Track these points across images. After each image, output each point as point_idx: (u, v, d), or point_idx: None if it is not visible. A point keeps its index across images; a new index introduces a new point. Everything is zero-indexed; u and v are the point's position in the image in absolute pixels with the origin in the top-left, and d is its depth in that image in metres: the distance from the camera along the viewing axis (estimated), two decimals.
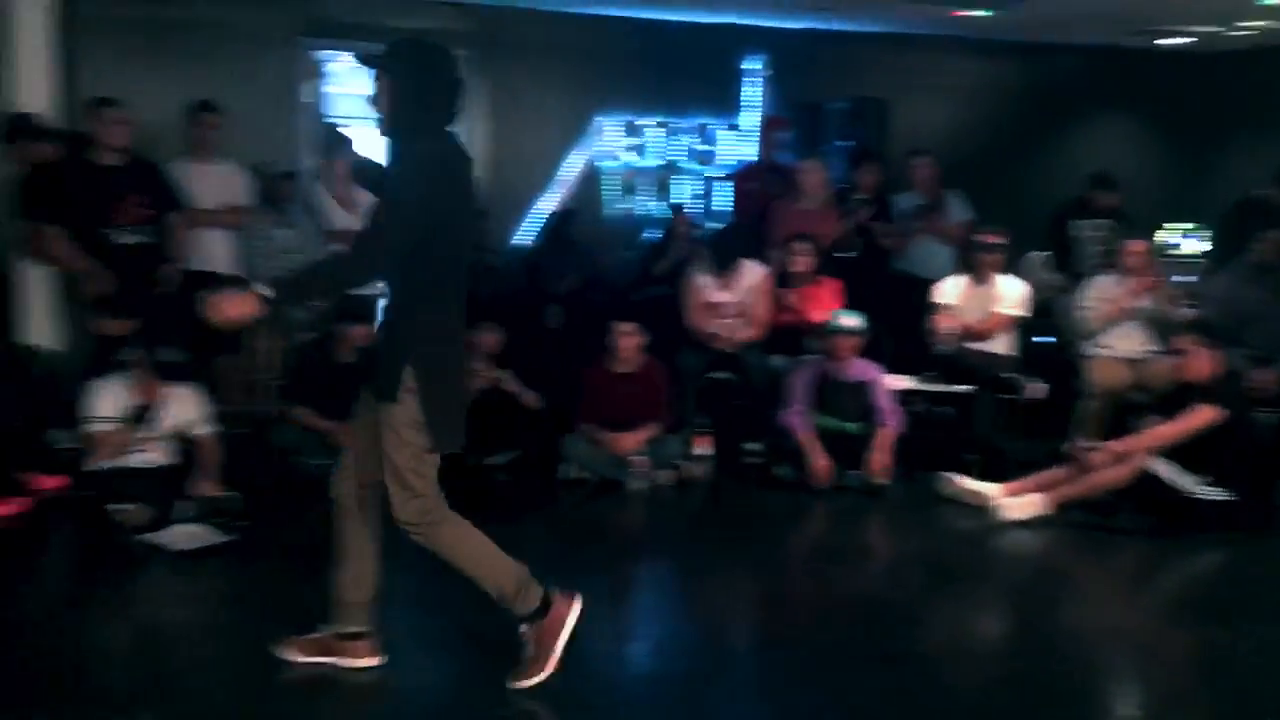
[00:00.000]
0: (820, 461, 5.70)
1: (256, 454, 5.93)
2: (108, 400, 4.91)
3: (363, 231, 3.34)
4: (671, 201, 8.44)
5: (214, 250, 6.39)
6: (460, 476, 5.66)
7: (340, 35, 8.09)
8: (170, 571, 4.46)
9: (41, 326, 6.25)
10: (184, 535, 4.65)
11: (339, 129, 9.43)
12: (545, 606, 3.37)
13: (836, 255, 6.94)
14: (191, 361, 6.22)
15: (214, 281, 6.27)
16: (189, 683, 3.43)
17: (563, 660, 3.35)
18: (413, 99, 3.20)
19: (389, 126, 3.25)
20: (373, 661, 3.47)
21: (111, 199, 5.62)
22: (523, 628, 3.37)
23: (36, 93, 6.35)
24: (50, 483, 5.16)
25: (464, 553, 3.36)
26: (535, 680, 3.33)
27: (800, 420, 5.81)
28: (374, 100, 3.26)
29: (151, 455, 4.99)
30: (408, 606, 4.31)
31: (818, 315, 6.38)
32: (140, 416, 4.92)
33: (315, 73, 8.27)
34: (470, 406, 5.74)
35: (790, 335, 6.48)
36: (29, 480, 5.09)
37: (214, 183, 6.32)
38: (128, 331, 5.46)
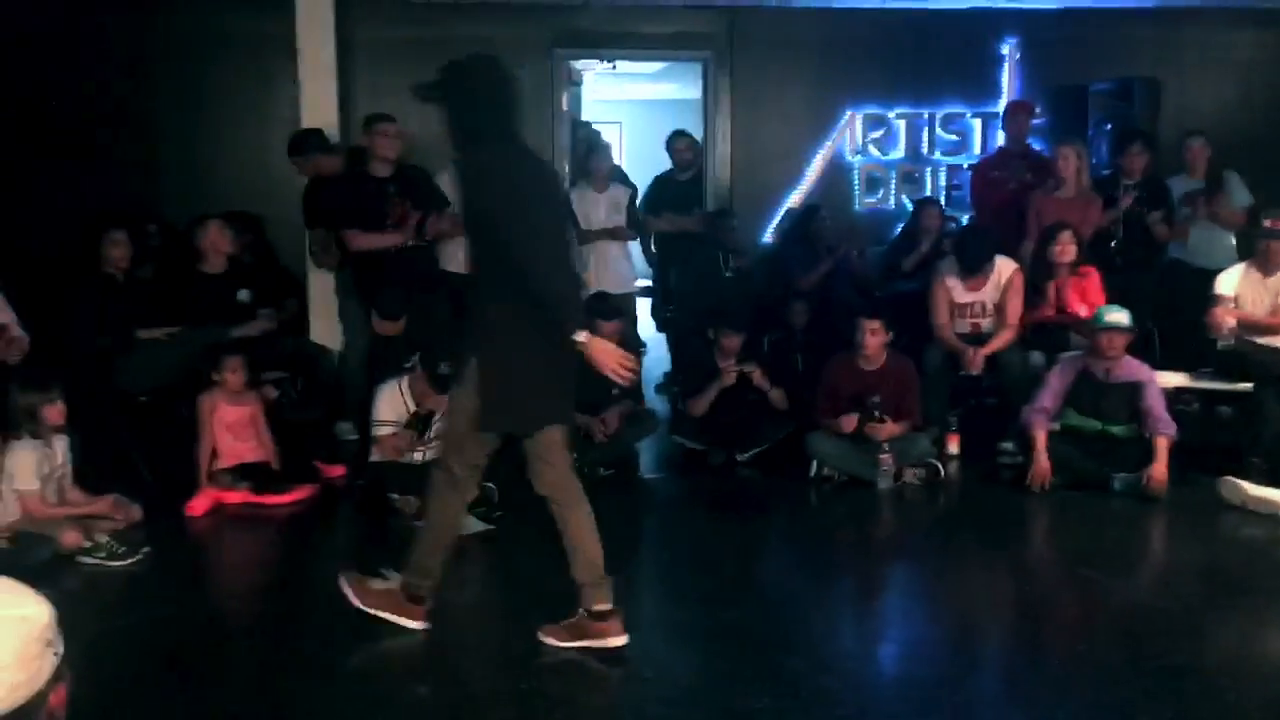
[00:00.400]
0: (1042, 463, 5.40)
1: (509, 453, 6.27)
2: (390, 404, 5.21)
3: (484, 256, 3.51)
4: (919, 195, 8.22)
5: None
6: (708, 472, 5.91)
7: (593, 45, 8.38)
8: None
9: (326, 327, 6.81)
10: None
11: (597, 133, 9.83)
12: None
13: (1100, 245, 6.56)
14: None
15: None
16: (457, 661, 3.65)
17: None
18: (467, 115, 3.44)
19: (455, 146, 3.51)
20: (621, 640, 3.58)
21: (383, 206, 6.03)
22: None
23: (322, 109, 6.92)
24: (335, 471, 5.64)
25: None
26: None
27: (1040, 419, 5.53)
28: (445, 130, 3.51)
29: (428, 454, 5.29)
30: (654, 596, 4.45)
31: (1081, 309, 6.06)
32: (421, 424, 5.20)
33: (571, 81, 8.58)
34: (717, 402, 5.96)
35: (1052, 331, 6.18)
36: (319, 468, 5.58)
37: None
38: (401, 332, 5.89)
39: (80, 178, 7.37)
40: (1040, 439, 5.47)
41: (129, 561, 4.49)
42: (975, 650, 3.83)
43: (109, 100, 7.65)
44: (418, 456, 5.21)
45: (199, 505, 5.13)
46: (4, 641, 1.75)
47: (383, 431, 5.18)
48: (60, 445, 4.81)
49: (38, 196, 7.18)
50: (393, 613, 3.70)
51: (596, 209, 7.34)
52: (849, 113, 8.34)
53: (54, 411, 4.71)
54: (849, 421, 5.64)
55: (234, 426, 5.36)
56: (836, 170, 8.39)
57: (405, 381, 5.23)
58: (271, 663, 3.63)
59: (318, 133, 6.58)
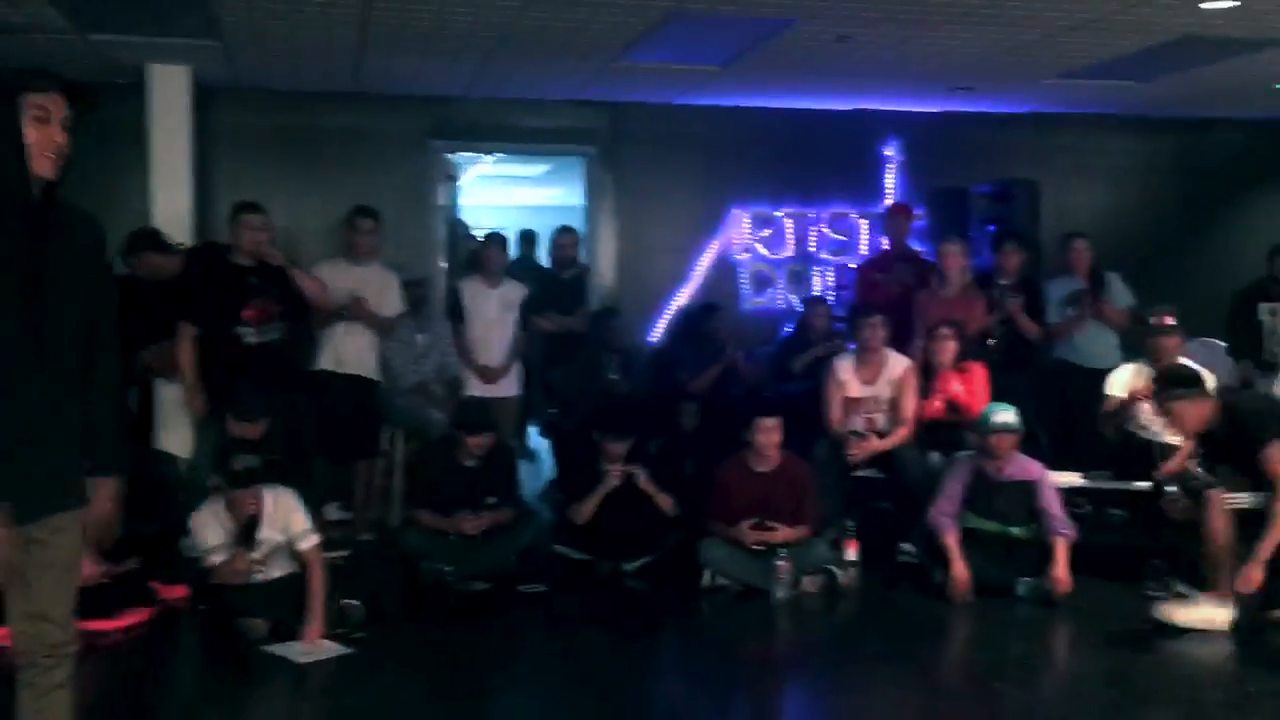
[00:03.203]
0: (960, 571, 5.19)
1: (383, 560, 5.79)
2: (211, 529, 4.68)
3: None
4: (808, 294, 8.11)
5: (360, 353, 6.34)
6: (593, 584, 5.50)
7: (472, 137, 8.13)
8: (294, 684, 4.24)
9: (174, 434, 6.25)
10: (305, 647, 4.42)
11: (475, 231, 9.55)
12: None
13: (979, 345, 6.51)
14: (321, 466, 6.17)
15: (354, 383, 6.27)
16: None
17: None
18: None
19: None
20: None
21: (242, 300, 5.59)
22: None
23: (174, 201, 6.48)
24: (175, 592, 5.06)
25: None
26: None
27: (948, 522, 5.33)
28: None
29: (270, 570, 4.77)
30: None
31: (972, 404, 5.95)
32: (246, 537, 4.67)
33: (448, 175, 8.31)
34: (603, 508, 5.59)
35: (946, 428, 6.04)
36: (156, 589, 5.00)
37: (367, 285, 6.29)
38: (259, 434, 5.39)
39: None
40: (953, 545, 5.24)
41: None
42: None
43: None
44: (259, 576, 4.69)
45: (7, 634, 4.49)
46: None
47: (215, 559, 4.64)
48: None
49: None
50: None
51: (488, 304, 6.99)
52: (735, 211, 8.24)
53: None
54: (749, 532, 5.34)
55: None
56: (723, 268, 8.26)
57: (217, 502, 4.72)
58: None
59: (153, 232, 6.13)
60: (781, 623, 5.14)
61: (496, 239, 7.36)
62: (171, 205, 6.45)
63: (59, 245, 2.55)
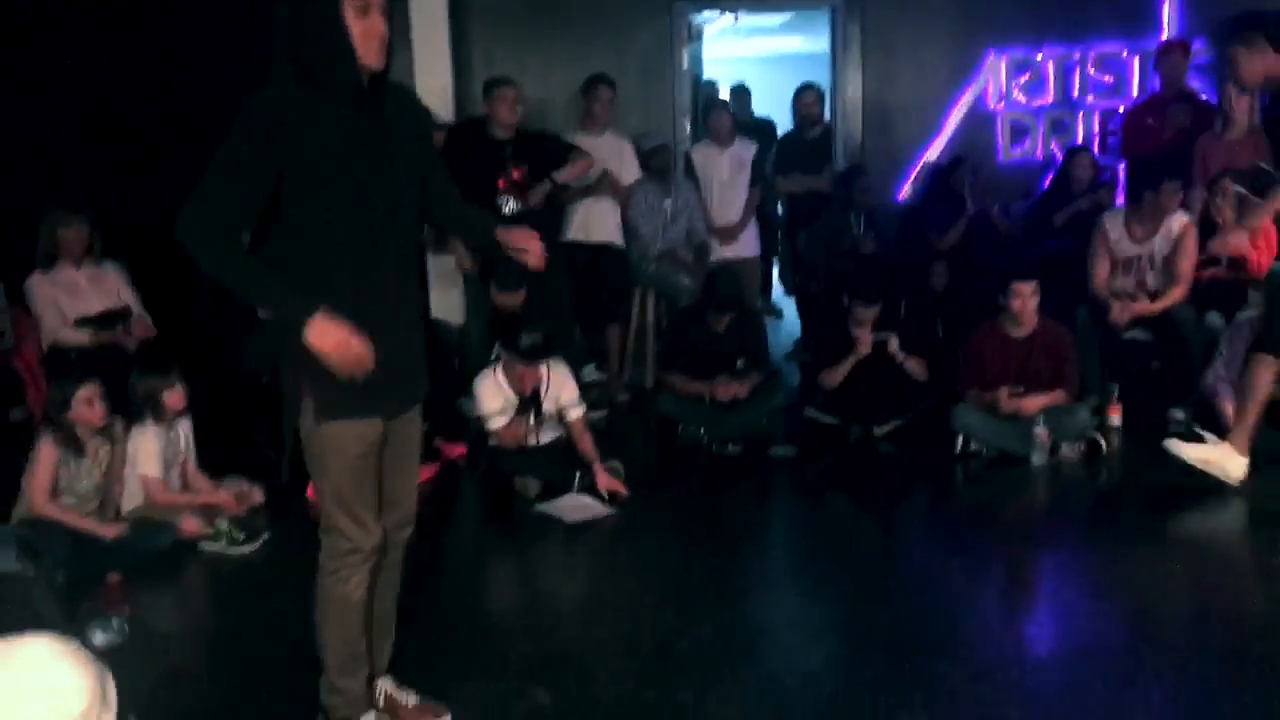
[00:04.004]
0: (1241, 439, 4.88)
1: (639, 422, 6.04)
2: (491, 396, 4.99)
3: None
4: (1070, 144, 7.61)
5: (604, 221, 6.53)
6: (844, 448, 5.56)
7: None
8: (563, 540, 4.56)
9: (446, 301, 6.67)
10: (573, 507, 4.74)
11: (716, 87, 9.46)
12: None
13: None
14: (578, 332, 6.45)
15: (601, 251, 6.48)
16: (580, 662, 3.42)
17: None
18: None
19: None
20: None
21: (499, 171, 5.81)
22: None
23: (436, 75, 6.74)
24: (456, 450, 5.48)
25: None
26: None
27: (1228, 388, 5.01)
28: None
29: (541, 435, 5.09)
30: (788, 590, 4.15)
31: (1259, 259, 5.50)
32: (530, 405, 4.97)
33: (692, 37, 8.22)
34: (853, 372, 5.59)
35: (1228, 287, 5.62)
36: (440, 447, 5.43)
37: (604, 154, 6.42)
38: (519, 303, 5.69)
39: (202, 159, 7.33)
40: (1231, 413, 4.95)
41: (249, 549, 4.41)
42: (1152, 655, 3.41)
43: (230, 80, 7.59)
44: (532, 440, 5.02)
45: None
46: None
47: (495, 424, 4.99)
48: (183, 430, 4.75)
49: (162, 178, 7.21)
50: None
51: (719, 167, 7.02)
52: (991, 56, 7.75)
53: (174, 396, 4.64)
54: (1006, 400, 5.22)
55: None
56: (977, 120, 7.82)
57: (498, 370, 5.03)
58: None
59: (424, 111, 6.40)
60: (1038, 490, 5.05)
61: (720, 102, 7.30)
62: (432, 82, 6.70)
63: (399, 130, 2.62)
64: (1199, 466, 4.63)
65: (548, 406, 4.99)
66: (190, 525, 4.42)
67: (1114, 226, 5.85)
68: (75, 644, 1.55)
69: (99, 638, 3.57)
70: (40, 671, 1.47)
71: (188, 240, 2.45)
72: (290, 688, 3.20)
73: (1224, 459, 4.61)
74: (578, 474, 4.90)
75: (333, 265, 2.54)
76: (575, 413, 4.99)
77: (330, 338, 2.44)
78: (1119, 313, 5.67)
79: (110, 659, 1.67)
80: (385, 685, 3.00)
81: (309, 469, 2.73)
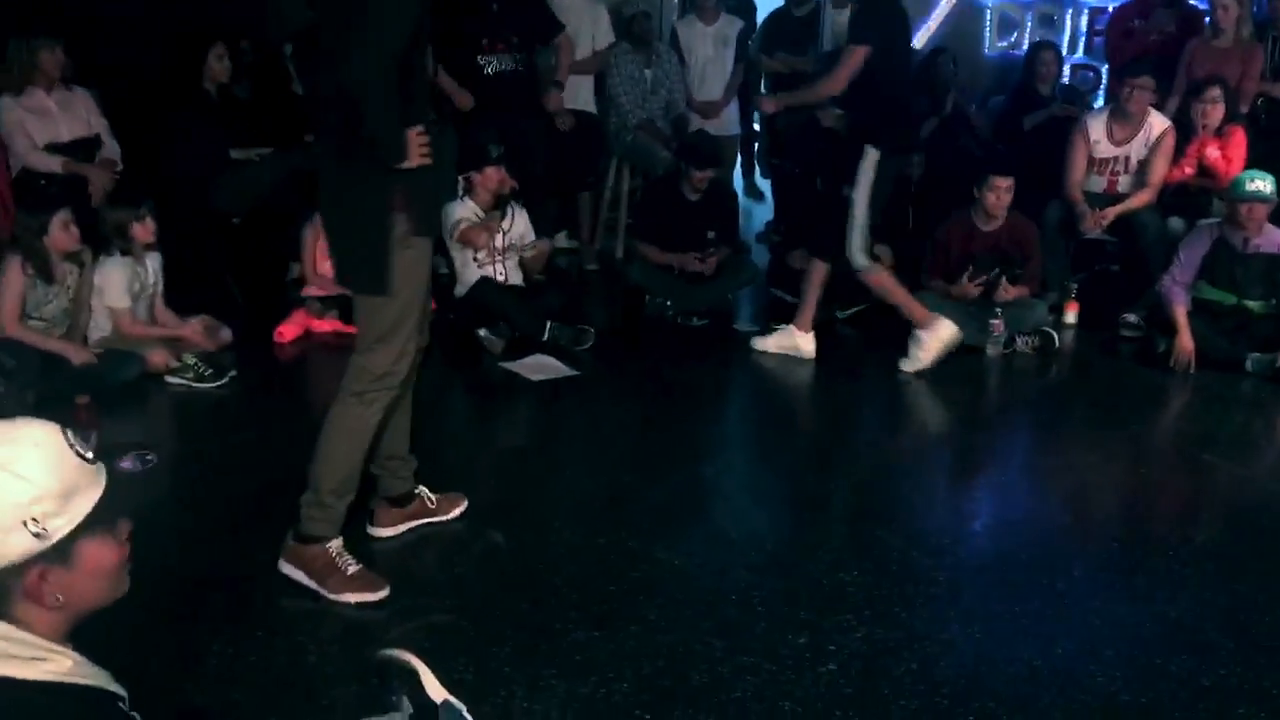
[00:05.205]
0: (1186, 341, 5.04)
1: (608, 291, 6.11)
2: (460, 211, 5.20)
3: None
4: (1044, 39, 7.50)
5: (581, 89, 6.47)
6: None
7: None
8: (525, 398, 4.67)
9: None
10: (537, 367, 4.83)
11: None
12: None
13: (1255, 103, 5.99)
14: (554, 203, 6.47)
15: (576, 117, 6.43)
16: (537, 512, 3.54)
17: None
18: None
19: None
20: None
21: (483, 30, 5.72)
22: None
23: None
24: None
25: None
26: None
27: (1179, 293, 5.15)
28: None
29: (508, 273, 5.31)
30: (742, 457, 4.28)
31: (1226, 169, 5.58)
32: (501, 204, 5.26)
33: None
34: None
35: (1193, 194, 5.70)
36: None
37: (576, 16, 6.33)
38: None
39: None
40: (1181, 315, 5.10)
41: (215, 384, 4.48)
42: (1081, 535, 3.58)
43: None
44: (499, 271, 5.22)
45: (288, 331, 5.08)
46: None
47: (462, 226, 5.15)
48: (152, 263, 4.77)
49: (136, 16, 7.02)
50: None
51: (703, 43, 6.93)
52: None
53: (143, 229, 4.64)
54: (969, 286, 5.32)
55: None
56: (965, 9, 7.75)
57: (467, 200, 5.24)
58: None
59: None
60: (991, 379, 5.19)
61: None
62: None
63: None
64: (777, 352, 5.10)
65: (512, 238, 5.28)
66: (157, 357, 4.48)
67: (1095, 127, 5.87)
68: (78, 444, 1.55)
69: (127, 462, 3.63)
70: (10, 445, 1.49)
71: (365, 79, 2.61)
72: (261, 513, 3.31)
73: (795, 340, 5.07)
74: (547, 324, 5.00)
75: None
76: (536, 248, 5.35)
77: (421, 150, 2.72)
78: (1092, 223, 5.70)
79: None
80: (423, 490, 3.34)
81: (375, 289, 2.79)
